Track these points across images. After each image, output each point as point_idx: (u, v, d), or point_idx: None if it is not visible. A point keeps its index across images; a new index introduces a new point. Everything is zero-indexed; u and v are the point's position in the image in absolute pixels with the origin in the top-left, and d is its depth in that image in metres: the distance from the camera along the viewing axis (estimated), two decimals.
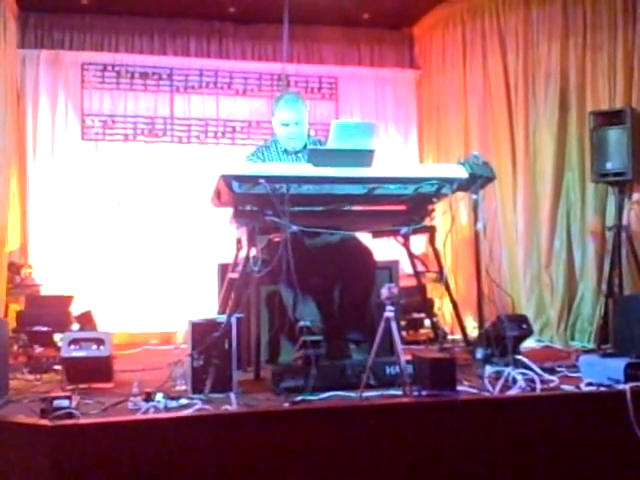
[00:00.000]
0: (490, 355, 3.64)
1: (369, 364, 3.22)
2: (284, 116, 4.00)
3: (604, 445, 3.02)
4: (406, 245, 3.97)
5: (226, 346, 3.39)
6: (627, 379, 3.15)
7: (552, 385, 3.36)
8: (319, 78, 6.75)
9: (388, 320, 3.17)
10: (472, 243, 4.16)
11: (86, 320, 5.00)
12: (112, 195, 6.19)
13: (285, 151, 4.05)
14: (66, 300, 5.15)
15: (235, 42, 6.74)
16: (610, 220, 5.10)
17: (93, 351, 3.66)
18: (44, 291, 5.69)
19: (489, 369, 3.43)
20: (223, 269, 4.11)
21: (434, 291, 5.34)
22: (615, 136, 4.93)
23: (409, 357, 3.29)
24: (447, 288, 4.02)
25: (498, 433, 2.96)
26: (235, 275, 3.73)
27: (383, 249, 4.29)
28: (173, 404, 3.11)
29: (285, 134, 4.02)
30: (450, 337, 4.80)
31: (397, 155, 6.70)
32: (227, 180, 3.43)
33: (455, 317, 4.11)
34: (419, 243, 4.93)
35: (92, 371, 3.65)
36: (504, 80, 5.89)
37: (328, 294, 3.97)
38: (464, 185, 3.81)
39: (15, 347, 4.59)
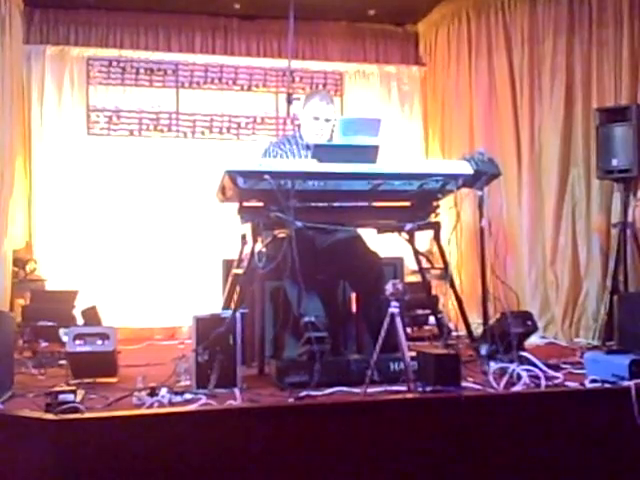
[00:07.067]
0: (495, 351, 3.63)
1: (373, 360, 3.22)
2: (317, 110, 3.99)
3: (609, 442, 3.01)
4: (411, 241, 3.97)
5: (230, 341, 3.39)
6: (632, 376, 3.14)
7: (557, 382, 3.36)
8: (324, 74, 6.76)
9: (393, 316, 3.17)
10: (477, 240, 4.15)
11: (91, 315, 5.01)
12: (117, 190, 6.20)
13: (307, 146, 4.00)
14: (71, 295, 5.17)
15: (240, 38, 6.75)
16: (615, 217, 5.09)
17: (98, 346, 3.68)
18: (49, 286, 5.71)
19: (493, 365, 3.43)
20: (228, 265, 4.11)
21: (439, 288, 5.32)
22: (621, 133, 4.92)
23: (413, 353, 3.29)
24: (452, 285, 4.00)
25: (502, 429, 2.95)
26: (240, 271, 3.73)
27: (388, 245, 4.29)
28: (177, 399, 3.12)
29: (313, 128, 4.00)
30: (455, 333, 4.80)
31: (402, 151, 6.69)
32: (232, 175, 3.42)
33: (460, 314, 4.10)
34: (424, 239, 4.92)
35: (97, 366, 3.66)
36: (509, 76, 5.87)
37: (333, 290, 3.97)
38: (469, 181, 3.80)
39: (20, 342, 4.61)
